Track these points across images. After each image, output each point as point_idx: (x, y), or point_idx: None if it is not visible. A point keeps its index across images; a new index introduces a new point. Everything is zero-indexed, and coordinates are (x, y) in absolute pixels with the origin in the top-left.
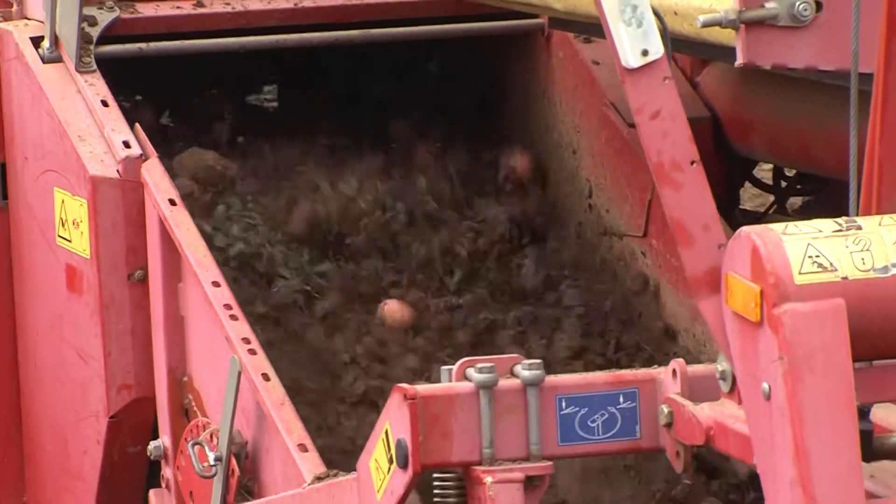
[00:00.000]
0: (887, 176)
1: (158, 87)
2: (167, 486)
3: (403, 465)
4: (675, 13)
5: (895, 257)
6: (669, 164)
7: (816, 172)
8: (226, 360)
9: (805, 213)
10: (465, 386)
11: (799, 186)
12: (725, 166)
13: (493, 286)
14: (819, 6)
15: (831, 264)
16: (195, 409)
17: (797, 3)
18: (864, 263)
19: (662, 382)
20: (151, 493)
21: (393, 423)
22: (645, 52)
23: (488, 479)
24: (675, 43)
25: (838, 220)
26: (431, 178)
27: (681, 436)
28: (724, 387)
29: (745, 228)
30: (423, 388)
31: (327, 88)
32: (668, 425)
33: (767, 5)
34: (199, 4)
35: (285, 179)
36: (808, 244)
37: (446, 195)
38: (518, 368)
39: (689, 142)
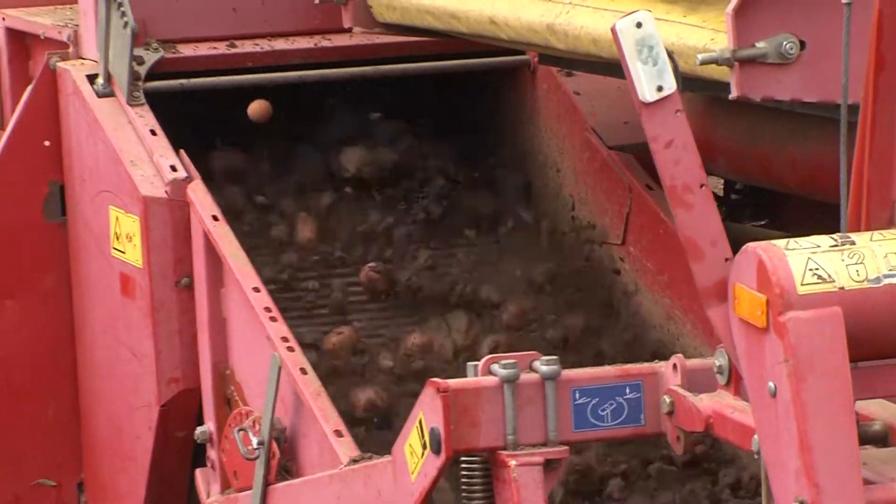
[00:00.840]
0: (875, 196)
1: (200, 119)
2: (212, 467)
3: (437, 451)
4: (671, 52)
5: (886, 269)
6: (682, 188)
7: (776, 189)
8: (264, 356)
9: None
10: (491, 380)
11: (737, 196)
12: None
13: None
14: (803, 45)
15: (829, 276)
16: (237, 398)
17: (784, 43)
18: (858, 275)
19: (664, 375)
20: (198, 472)
21: (426, 413)
22: (660, 88)
23: (512, 463)
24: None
25: (833, 235)
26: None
27: (681, 423)
28: (721, 380)
29: (751, 245)
30: (454, 382)
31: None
32: (670, 413)
33: (758, 45)
34: (232, 45)
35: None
36: (808, 258)
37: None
38: (537, 364)
39: (699, 168)
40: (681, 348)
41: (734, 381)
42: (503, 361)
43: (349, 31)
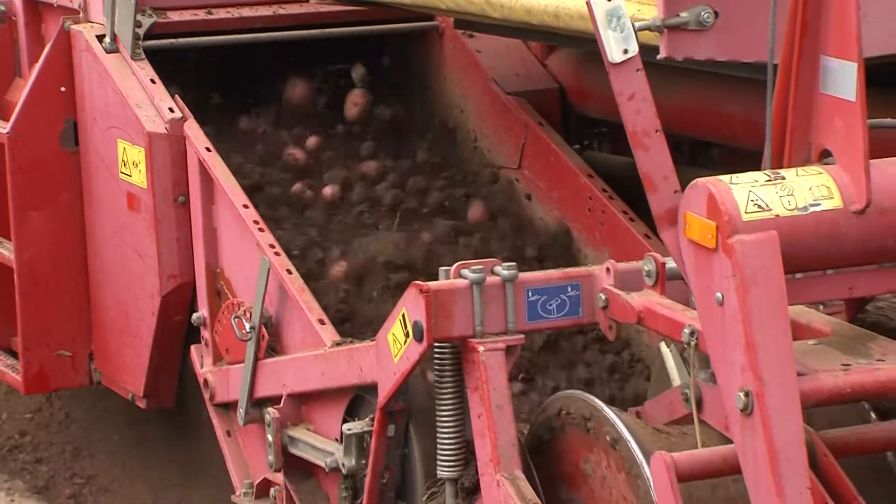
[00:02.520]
0: (796, 139)
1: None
2: (205, 344)
3: (420, 339)
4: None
5: (811, 199)
6: (641, 133)
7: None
8: (250, 257)
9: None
10: (462, 282)
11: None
12: (569, 121)
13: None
14: (717, 14)
15: (767, 205)
16: (226, 291)
17: (702, 12)
18: (790, 204)
19: (598, 277)
20: (192, 348)
21: (409, 308)
22: (625, 51)
23: (481, 349)
24: (592, 41)
25: (766, 172)
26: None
27: (615, 315)
28: (650, 281)
29: (700, 180)
30: (433, 284)
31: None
32: (605, 308)
33: (681, 14)
34: (209, 13)
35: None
36: (749, 191)
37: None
38: (498, 269)
39: (655, 117)
40: (568, 251)
41: (661, 283)
42: (473, 267)
43: (306, 1)
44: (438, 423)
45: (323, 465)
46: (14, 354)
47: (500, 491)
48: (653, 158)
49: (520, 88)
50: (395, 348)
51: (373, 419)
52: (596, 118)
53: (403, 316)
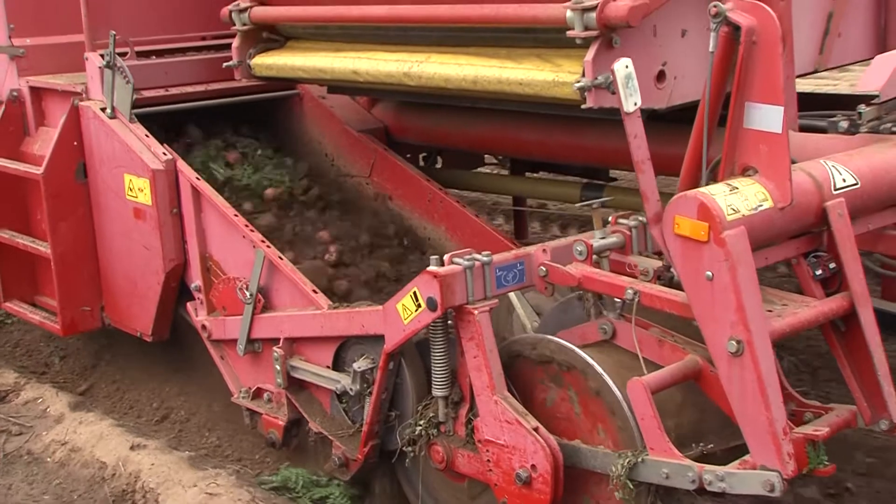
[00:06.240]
0: (729, 159)
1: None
2: (200, 302)
3: (433, 309)
4: (521, 84)
5: (756, 202)
6: (640, 161)
7: (449, 148)
8: (237, 246)
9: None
10: (458, 267)
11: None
12: (394, 148)
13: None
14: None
15: (736, 209)
16: (215, 269)
17: (608, 76)
18: (746, 207)
19: (535, 255)
20: (188, 304)
21: (421, 287)
22: (635, 104)
23: (475, 311)
24: (521, 102)
25: (725, 184)
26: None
27: (555, 281)
28: (581, 257)
29: (690, 192)
30: (441, 270)
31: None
32: (544, 276)
33: (599, 77)
34: (167, 91)
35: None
36: (725, 198)
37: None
38: (478, 256)
39: (647, 150)
40: (412, 223)
41: (589, 258)
42: (466, 256)
43: (234, 79)
44: (433, 360)
45: (333, 388)
46: (38, 307)
47: (499, 406)
48: (647, 179)
49: (361, 128)
50: (404, 314)
51: (370, 359)
52: (412, 144)
53: (415, 293)
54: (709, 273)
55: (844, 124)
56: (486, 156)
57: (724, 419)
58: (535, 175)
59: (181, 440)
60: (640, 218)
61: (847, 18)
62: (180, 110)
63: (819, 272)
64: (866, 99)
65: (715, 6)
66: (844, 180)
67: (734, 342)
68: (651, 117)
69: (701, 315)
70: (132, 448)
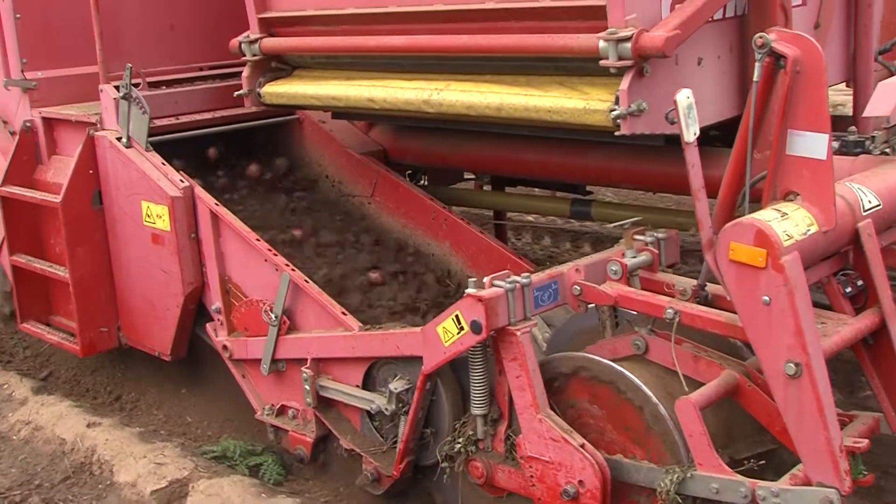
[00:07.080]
0: (771, 185)
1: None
2: (219, 322)
3: (478, 332)
4: (550, 111)
5: (805, 227)
6: (696, 189)
7: (441, 167)
8: (258, 269)
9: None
10: (499, 290)
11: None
12: (396, 169)
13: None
14: (646, 104)
15: (790, 235)
16: (235, 291)
17: (641, 103)
18: (797, 232)
19: (568, 275)
20: (208, 325)
21: (464, 311)
22: (694, 133)
23: (518, 332)
24: (554, 129)
25: (774, 209)
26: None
27: (590, 300)
28: (615, 276)
29: (745, 218)
30: (484, 293)
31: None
32: (578, 295)
33: (632, 105)
34: (177, 119)
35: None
36: (779, 225)
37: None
38: (517, 278)
39: (701, 178)
40: (415, 240)
41: (624, 278)
42: (510, 279)
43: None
44: (472, 379)
45: (368, 408)
46: (53, 327)
47: (543, 425)
48: (702, 206)
49: (361, 151)
50: (445, 337)
51: (405, 379)
52: (408, 165)
53: (457, 316)
54: (766, 298)
55: (859, 147)
56: (464, 172)
57: (747, 429)
58: (513, 190)
59: (132, 418)
60: (658, 234)
61: (823, 46)
62: (187, 138)
63: (849, 289)
64: (851, 122)
65: (760, 37)
66: (870, 202)
67: (792, 365)
68: (667, 141)
69: (756, 338)
70: (88, 426)
